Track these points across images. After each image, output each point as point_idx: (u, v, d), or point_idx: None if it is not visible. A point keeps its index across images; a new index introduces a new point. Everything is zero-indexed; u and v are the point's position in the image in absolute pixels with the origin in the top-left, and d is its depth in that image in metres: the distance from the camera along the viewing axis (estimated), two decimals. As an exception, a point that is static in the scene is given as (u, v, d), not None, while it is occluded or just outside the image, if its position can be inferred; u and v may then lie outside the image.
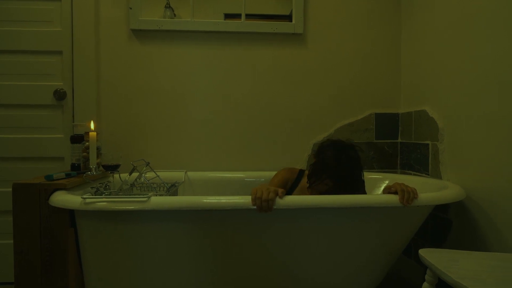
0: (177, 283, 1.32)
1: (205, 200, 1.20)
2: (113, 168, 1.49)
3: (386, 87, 2.07)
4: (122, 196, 1.25)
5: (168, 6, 2.06)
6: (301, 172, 1.60)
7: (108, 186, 1.44)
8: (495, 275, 0.92)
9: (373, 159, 2.06)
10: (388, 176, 1.85)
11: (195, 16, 1.97)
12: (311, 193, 1.42)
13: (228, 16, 2.09)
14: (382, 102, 2.07)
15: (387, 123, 2.07)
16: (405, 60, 2.03)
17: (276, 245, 1.30)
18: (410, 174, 1.92)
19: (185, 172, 1.88)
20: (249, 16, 2.00)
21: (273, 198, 1.18)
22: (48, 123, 1.91)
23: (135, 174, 1.51)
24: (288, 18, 2.05)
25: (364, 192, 1.48)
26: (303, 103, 2.03)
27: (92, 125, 1.54)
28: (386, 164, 2.06)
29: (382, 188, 1.71)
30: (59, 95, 1.89)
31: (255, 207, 1.18)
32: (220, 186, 1.86)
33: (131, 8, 1.92)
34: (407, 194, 1.22)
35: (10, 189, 1.30)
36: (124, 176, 1.51)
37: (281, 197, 1.20)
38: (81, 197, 1.20)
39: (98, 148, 1.57)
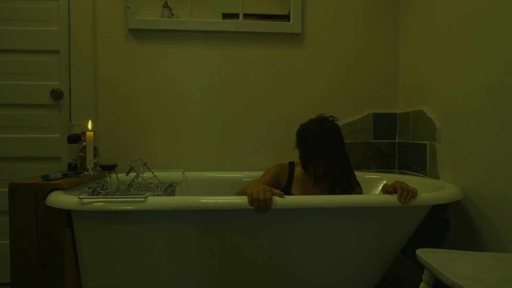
0: (174, 283, 1.32)
1: (202, 200, 1.20)
2: (110, 168, 1.48)
3: (384, 87, 2.07)
4: (119, 196, 1.25)
5: (166, 6, 2.06)
6: (291, 164, 1.58)
7: (105, 186, 1.43)
8: (492, 275, 0.92)
9: (371, 159, 2.06)
10: (385, 176, 1.85)
11: (193, 16, 1.96)
12: (314, 181, 1.45)
13: (226, 16, 2.09)
14: (380, 102, 2.07)
15: (384, 123, 2.07)
16: (403, 60, 2.03)
17: (274, 245, 1.29)
18: (408, 174, 1.92)
19: (183, 172, 1.88)
20: (247, 16, 2.00)
21: (270, 197, 1.18)
22: (45, 123, 1.90)
23: (132, 174, 1.50)
24: (286, 18, 2.05)
25: (350, 169, 1.50)
26: (301, 103, 2.03)
27: (89, 125, 1.54)
28: (384, 164, 2.06)
29: (380, 187, 1.70)
30: (56, 95, 1.88)
31: (253, 207, 1.18)
32: (218, 186, 1.86)
33: (128, 8, 1.91)
34: (406, 193, 1.23)
35: (7, 189, 1.29)
36: (122, 176, 1.50)
37: (281, 196, 1.20)
38: (78, 197, 1.19)
39: (95, 148, 1.57)
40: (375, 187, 1.79)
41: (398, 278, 1.85)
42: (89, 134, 1.47)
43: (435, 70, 1.70)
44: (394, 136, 2.08)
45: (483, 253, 1.11)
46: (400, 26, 2.06)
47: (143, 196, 1.19)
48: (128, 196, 1.22)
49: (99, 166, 1.52)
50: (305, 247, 1.31)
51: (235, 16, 2.01)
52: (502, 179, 1.28)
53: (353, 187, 1.48)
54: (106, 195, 1.34)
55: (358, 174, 1.61)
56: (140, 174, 1.51)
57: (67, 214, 1.29)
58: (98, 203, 1.19)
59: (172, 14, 2.07)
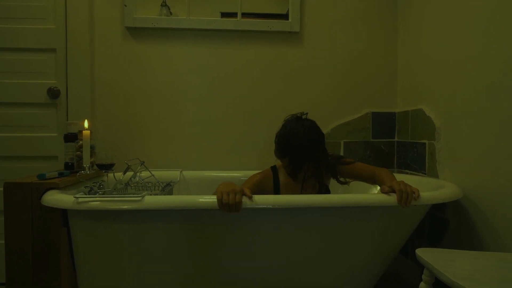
0: (171, 283, 1.31)
1: (200, 200, 1.19)
2: (107, 167, 1.47)
3: (383, 86, 2.07)
4: (115, 195, 1.24)
5: (164, 4, 2.04)
6: (274, 169, 1.52)
7: (102, 185, 1.42)
8: (492, 275, 0.91)
9: (370, 158, 2.05)
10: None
11: (192, 14, 1.95)
12: (302, 184, 1.40)
13: (224, 15, 2.08)
14: (378, 101, 2.07)
15: (383, 122, 2.07)
16: (402, 59, 2.03)
17: (272, 245, 1.29)
18: (407, 173, 1.91)
19: (181, 171, 1.87)
20: (245, 15, 1.99)
21: (240, 200, 1.15)
22: (41, 122, 1.89)
23: (129, 173, 1.49)
24: (285, 17, 2.03)
25: (332, 166, 1.46)
26: (299, 101, 2.02)
27: (85, 124, 1.52)
28: (383, 163, 2.05)
29: (379, 187, 1.70)
30: (53, 93, 1.87)
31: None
32: (216, 185, 1.82)
33: (126, 6, 1.90)
34: (405, 195, 1.20)
35: (2, 189, 1.28)
36: (119, 175, 1.49)
37: (249, 197, 1.17)
38: (74, 197, 1.18)
39: (92, 147, 1.55)
40: (374, 186, 1.78)
41: (397, 278, 1.85)
42: (86, 133, 1.46)
43: (434, 70, 1.69)
44: (393, 135, 2.08)
45: (483, 252, 1.11)
46: (399, 25, 2.06)
47: (139, 195, 1.18)
48: (125, 196, 1.20)
49: (96, 165, 1.51)
50: (300, 247, 1.30)
51: (233, 15, 2.00)
52: (502, 179, 1.28)
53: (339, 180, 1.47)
54: (102, 194, 1.33)
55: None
56: (138, 173, 1.50)
57: (63, 214, 1.28)
58: (95, 202, 1.18)
59: (171, 13, 2.05)
